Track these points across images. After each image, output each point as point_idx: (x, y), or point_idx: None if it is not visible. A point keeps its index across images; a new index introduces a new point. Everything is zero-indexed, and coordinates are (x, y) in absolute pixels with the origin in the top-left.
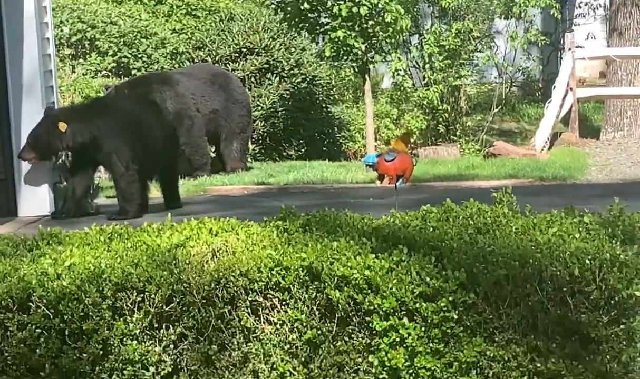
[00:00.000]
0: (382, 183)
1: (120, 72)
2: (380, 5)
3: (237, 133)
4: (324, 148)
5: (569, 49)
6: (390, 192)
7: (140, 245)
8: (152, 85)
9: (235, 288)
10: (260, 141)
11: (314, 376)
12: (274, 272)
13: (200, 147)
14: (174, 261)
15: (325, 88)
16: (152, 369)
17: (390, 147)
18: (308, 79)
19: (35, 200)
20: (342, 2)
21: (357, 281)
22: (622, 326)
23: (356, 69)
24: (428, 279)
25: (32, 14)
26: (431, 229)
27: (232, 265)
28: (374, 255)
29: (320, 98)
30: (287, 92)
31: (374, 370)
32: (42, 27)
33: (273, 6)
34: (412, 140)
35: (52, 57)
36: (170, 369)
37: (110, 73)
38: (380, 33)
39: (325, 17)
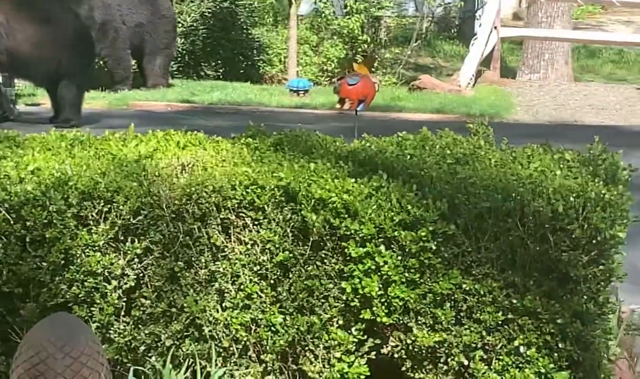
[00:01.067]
0: (342, 107)
1: None
2: None
3: (161, 49)
4: (242, 70)
5: None
6: (319, 119)
7: (106, 154)
8: None
9: (207, 204)
10: (179, 58)
11: (282, 299)
12: (249, 190)
13: (124, 60)
14: (144, 173)
15: (247, 9)
16: (114, 282)
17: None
18: None
19: None
20: None
21: (335, 205)
22: (601, 267)
23: None
24: (409, 207)
25: None
26: (408, 157)
27: (204, 181)
28: (353, 179)
29: (242, 20)
30: (209, 10)
31: (345, 297)
32: None
33: None
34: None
35: None
36: (133, 284)
37: None
38: None
39: None
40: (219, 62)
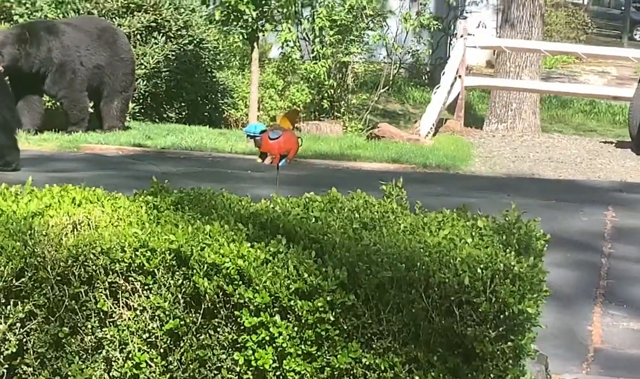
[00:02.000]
0: (264, 161)
1: (2, 17)
2: None
3: (119, 92)
4: (206, 114)
5: (461, 36)
6: (268, 167)
7: None
8: (39, 32)
9: (94, 266)
10: (141, 100)
11: (173, 369)
12: (138, 253)
13: (80, 101)
14: (29, 232)
15: (212, 52)
16: None
17: (275, 124)
18: (195, 42)
19: None
20: None
21: (228, 271)
22: (509, 343)
23: (245, 36)
24: (306, 275)
25: None
26: (313, 220)
27: (93, 241)
28: (249, 244)
29: (206, 63)
30: (173, 52)
31: (238, 369)
32: None
33: None
34: (299, 118)
35: None
36: (14, 350)
37: None
38: (273, 1)
39: None
40: (182, 104)
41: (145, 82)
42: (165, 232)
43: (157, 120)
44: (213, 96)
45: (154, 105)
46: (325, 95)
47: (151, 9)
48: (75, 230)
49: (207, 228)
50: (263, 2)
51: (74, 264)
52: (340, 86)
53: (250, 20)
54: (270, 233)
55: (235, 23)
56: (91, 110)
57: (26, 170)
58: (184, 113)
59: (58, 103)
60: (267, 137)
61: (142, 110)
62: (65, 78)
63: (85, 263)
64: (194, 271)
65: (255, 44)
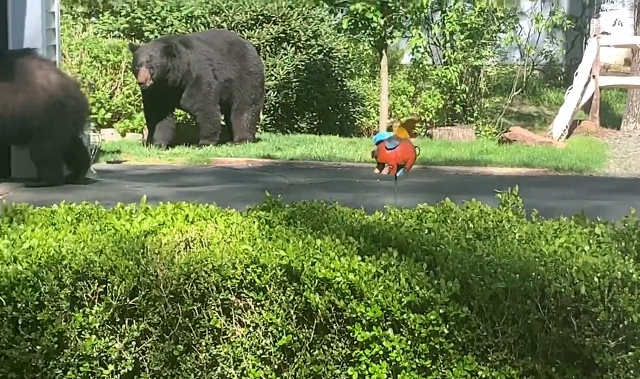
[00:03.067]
0: (381, 172)
1: (133, 34)
2: None
3: (249, 104)
4: (337, 123)
5: (594, 35)
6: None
7: (109, 229)
8: (179, 46)
9: (206, 284)
10: (272, 112)
11: None
12: (249, 269)
13: (214, 114)
14: (142, 251)
15: (342, 61)
16: (111, 367)
17: (392, 134)
18: (325, 51)
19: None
20: None
21: (339, 286)
22: (630, 353)
23: (373, 44)
24: (418, 288)
25: None
26: (426, 231)
27: (204, 259)
28: (360, 257)
29: (336, 71)
30: (303, 63)
31: None
32: None
33: None
34: (416, 128)
35: (56, 15)
36: (130, 368)
37: (122, 34)
38: (400, 8)
39: None
40: (313, 114)
41: (275, 93)
42: (276, 248)
43: (288, 130)
44: (344, 105)
45: (284, 116)
46: (458, 100)
47: (280, 20)
48: (187, 247)
49: (318, 243)
50: (391, 8)
51: (186, 282)
52: (472, 90)
53: (378, 27)
54: (382, 246)
55: (363, 31)
56: (222, 123)
57: (156, 185)
58: (315, 123)
59: (190, 117)
60: (384, 147)
61: (273, 121)
62: (201, 91)
63: (197, 281)
64: (305, 286)
65: (384, 51)
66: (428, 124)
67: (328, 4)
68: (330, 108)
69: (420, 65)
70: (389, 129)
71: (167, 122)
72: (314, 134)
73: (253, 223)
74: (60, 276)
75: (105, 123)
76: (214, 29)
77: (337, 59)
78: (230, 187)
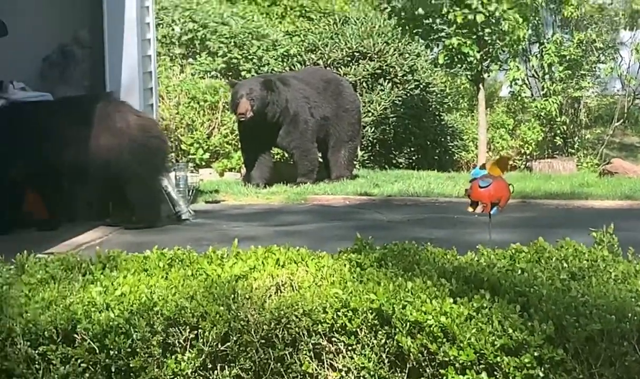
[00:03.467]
0: (474, 210)
1: (230, 74)
2: (497, 14)
3: (346, 141)
4: (435, 157)
5: None
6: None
7: (200, 274)
8: (278, 83)
9: (297, 328)
10: (370, 148)
11: None
12: (340, 313)
13: (311, 152)
14: (233, 296)
15: (439, 95)
16: None
17: (485, 171)
18: (422, 86)
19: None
20: (457, 9)
21: (431, 329)
22: None
23: (470, 77)
24: (511, 330)
25: (133, 15)
26: (519, 272)
27: (295, 303)
28: (452, 299)
29: (434, 106)
30: (400, 98)
31: None
32: (143, 28)
33: (387, 10)
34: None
35: (152, 59)
36: None
37: (219, 74)
38: (497, 41)
39: (440, 24)
40: (412, 149)
41: (373, 129)
42: (367, 291)
43: (386, 166)
44: (442, 139)
45: (382, 152)
46: (558, 131)
47: (376, 56)
48: (278, 291)
49: (409, 285)
50: (487, 42)
51: (277, 326)
52: (572, 122)
53: (474, 61)
54: (474, 288)
55: (459, 65)
56: (319, 161)
57: (253, 225)
58: (413, 158)
59: (287, 156)
60: (477, 186)
61: (371, 157)
62: (298, 129)
63: (288, 326)
64: (397, 329)
65: (481, 85)
66: (528, 157)
67: (424, 39)
68: (428, 143)
69: (519, 98)
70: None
71: (264, 161)
72: (412, 169)
73: (344, 265)
74: (152, 322)
75: (203, 163)
76: (310, 67)
77: (434, 93)
78: (327, 225)
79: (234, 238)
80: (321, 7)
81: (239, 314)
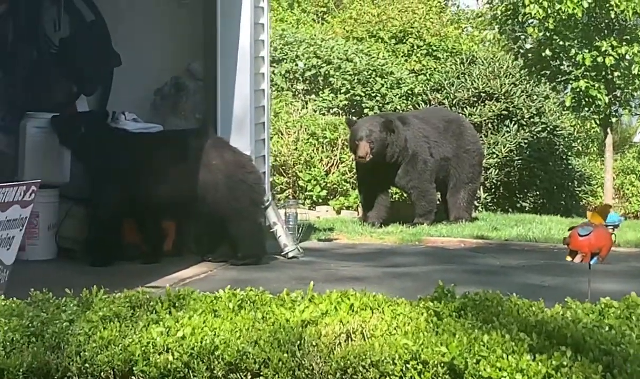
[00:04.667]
0: (573, 260)
1: (353, 111)
2: (628, 56)
3: (466, 183)
4: (562, 202)
5: None
6: (615, 258)
7: (269, 318)
8: (396, 122)
9: None
10: (493, 190)
11: None
12: (409, 366)
13: (429, 193)
14: (299, 342)
15: (567, 139)
16: None
17: (586, 220)
18: (549, 128)
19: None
20: (586, 51)
21: None
22: None
23: (598, 121)
24: None
25: (247, 48)
26: (607, 328)
27: (362, 353)
28: (530, 356)
29: (561, 149)
30: (526, 140)
31: None
32: (256, 61)
33: (514, 51)
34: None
35: (265, 93)
36: None
37: (341, 111)
38: (627, 85)
39: (567, 66)
40: (537, 193)
41: (497, 171)
42: (439, 343)
43: (509, 209)
44: (569, 183)
45: (506, 195)
46: None
47: (502, 97)
48: (348, 339)
49: (485, 339)
50: (617, 86)
51: (343, 377)
52: None
53: (602, 105)
54: (556, 344)
55: (587, 108)
56: (437, 202)
57: (362, 265)
58: (538, 202)
59: (405, 195)
60: (576, 234)
61: (494, 200)
62: (416, 168)
63: (354, 376)
64: None
65: (609, 129)
66: None
67: (550, 81)
68: (554, 187)
69: None
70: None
71: (381, 200)
72: (536, 213)
73: (421, 314)
74: (212, 367)
75: (320, 200)
76: (431, 107)
77: (562, 136)
78: (438, 268)
79: (341, 278)
80: (448, 47)
81: (303, 362)
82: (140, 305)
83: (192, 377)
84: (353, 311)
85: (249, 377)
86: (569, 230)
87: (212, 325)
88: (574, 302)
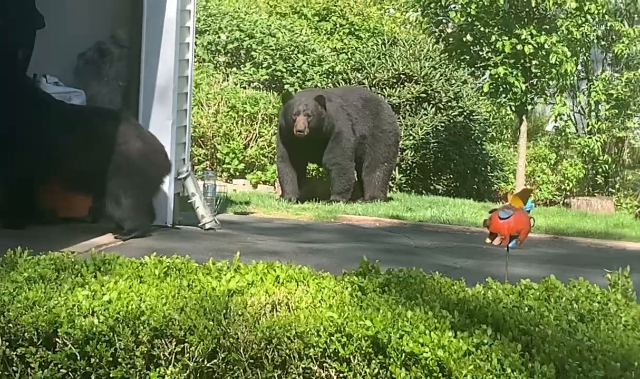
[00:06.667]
0: (492, 242)
1: (273, 86)
2: (546, 46)
3: (381, 162)
4: (474, 186)
5: None
6: (528, 244)
7: (195, 286)
8: (325, 99)
9: (288, 350)
10: (409, 171)
11: None
12: (333, 338)
13: (349, 171)
14: (225, 311)
15: (482, 124)
16: None
17: (506, 203)
18: (465, 113)
19: (157, 210)
20: (506, 39)
21: (427, 362)
22: None
23: (514, 108)
24: (510, 370)
25: (173, 18)
26: (526, 309)
27: (288, 324)
28: (451, 333)
29: (476, 134)
30: (442, 124)
31: None
32: (182, 31)
33: (436, 34)
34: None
35: (189, 63)
36: None
37: (261, 86)
38: (544, 74)
39: (487, 52)
40: (450, 176)
41: (413, 153)
42: (364, 317)
43: (423, 191)
44: (482, 168)
45: (421, 176)
46: (599, 170)
47: (422, 80)
48: (273, 310)
49: (409, 314)
50: (534, 74)
51: (268, 347)
52: (615, 161)
53: (519, 92)
54: (477, 322)
55: (504, 95)
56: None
57: (278, 239)
58: (451, 185)
59: (322, 172)
60: (496, 217)
61: (409, 181)
62: (340, 146)
63: (279, 347)
64: (391, 360)
65: (524, 117)
66: (567, 193)
67: (470, 66)
68: (467, 171)
69: (563, 133)
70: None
71: (299, 176)
72: (449, 197)
73: (345, 288)
74: (137, 332)
75: (237, 173)
76: (349, 86)
77: (478, 121)
78: (353, 245)
79: (257, 251)
80: (370, 27)
81: (228, 331)
82: (65, 267)
83: (116, 341)
84: (279, 282)
85: (174, 343)
86: (489, 212)
87: (138, 291)
88: (495, 282)
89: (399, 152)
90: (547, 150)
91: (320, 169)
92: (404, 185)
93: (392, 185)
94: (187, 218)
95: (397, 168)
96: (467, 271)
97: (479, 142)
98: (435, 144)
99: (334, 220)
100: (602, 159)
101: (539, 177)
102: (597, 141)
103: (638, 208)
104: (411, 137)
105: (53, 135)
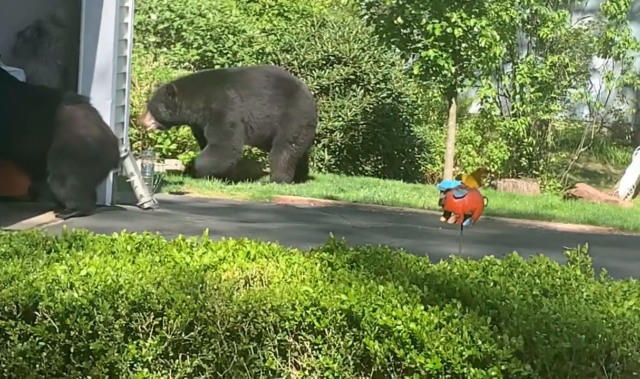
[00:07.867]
0: (447, 220)
1: (203, 66)
2: (475, 29)
3: (289, 142)
4: (402, 168)
5: None
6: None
7: (168, 262)
8: (194, 84)
9: (264, 323)
10: (337, 153)
11: None
12: (308, 312)
13: (226, 149)
14: (201, 285)
15: (410, 106)
16: None
17: (460, 182)
18: (394, 95)
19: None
20: (436, 21)
21: (400, 334)
22: None
23: (443, 91)
24: (480, 342)
25: None
26: (492, 284)
27: (263, 298)
28: (423, 307)
29: (404, 116)
30: (371, 105)
31: None
32: (121, 11)
33: (366, 17)
34: (485, 178)
35: (128, 44)
36: None
37: (192, 66)
38: (473, 57)
39: (417, 35)
40: (378, 158)
41: (342, 134)
42: (337, 291)
43: (352, 172)
44: (410, 150)
45: (350, 158)
46: (524, 152)
47: (351, 62)
48: (247, 285)
49: (381, 289)
50: (463, 57)
51: (244, 320)
52: (539, 144)
53: (448, 75)
54: (445, 296)
55: (434, 77)
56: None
57: (217, 219)
58: (379, 166)
59: (254, 153)
60: (451, 196)
61: (338, 163)
62: (220, 128)
63: (255, 320)
64: (365, 332)
65: (453, 99)
66: (492, 175)
67: (400, 48)
68: (395, 152)
69: (488, 116)
70: (458, 178)
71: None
72: (377, 178)
73: (315, 264)
74: (116, 306)
75: (169, 153)
76: (267, 65)
77: (406, 104)
78: (291, 225)
79: (198, 230)
80: (299, 8)
81: (205, 304)
82: (38, 243)
83: (96, 315)
84: (250, 258)
85: (152, 316)
86: (442, 191)
87: (114, 265)
88: (458, 259)
89: (328, 133)
90: (472, 132)
91: (253, 150)
92: (333, 166)
93: (320, 166)
94: (124, 198)
95: (325, 149)
96: (405, 250)
97: (406, 124)
98: (364, 126)
99: (269, 200)
100: (527, 141)
101: (464, 159)
102: (521, 123)
103: (564, 190)
104: (340, 119)
105: (10, 115)
